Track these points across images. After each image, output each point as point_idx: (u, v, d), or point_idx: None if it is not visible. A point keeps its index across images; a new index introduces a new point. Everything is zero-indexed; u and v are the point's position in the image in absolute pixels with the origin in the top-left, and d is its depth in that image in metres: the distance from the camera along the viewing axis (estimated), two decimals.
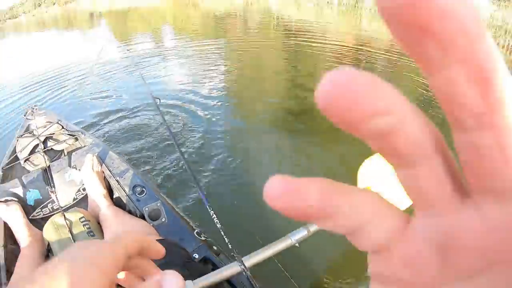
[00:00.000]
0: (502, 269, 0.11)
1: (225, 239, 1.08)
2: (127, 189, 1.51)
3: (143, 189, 1.49)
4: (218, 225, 1.12)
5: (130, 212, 1.41)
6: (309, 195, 0.11)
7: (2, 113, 4.84)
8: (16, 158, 2.04)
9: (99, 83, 5.71)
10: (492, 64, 0.09)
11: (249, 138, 3.18)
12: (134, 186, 1.51)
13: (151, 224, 1.29)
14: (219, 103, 4.15)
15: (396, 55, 5.61)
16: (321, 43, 6.90)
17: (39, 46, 11.92)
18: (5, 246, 1.32)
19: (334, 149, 2.93)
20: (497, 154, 0.10)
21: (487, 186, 0.10)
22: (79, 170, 1.72)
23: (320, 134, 3.14)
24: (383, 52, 5.89)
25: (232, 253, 1.04)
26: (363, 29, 8.47)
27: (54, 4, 27.76)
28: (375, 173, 0.87)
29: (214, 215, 1.15)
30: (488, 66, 0.09)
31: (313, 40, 7.18)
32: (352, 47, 6.43)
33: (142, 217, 1.35)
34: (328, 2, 11.67)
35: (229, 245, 1.07)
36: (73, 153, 1.88)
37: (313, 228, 0.93)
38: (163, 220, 1.34)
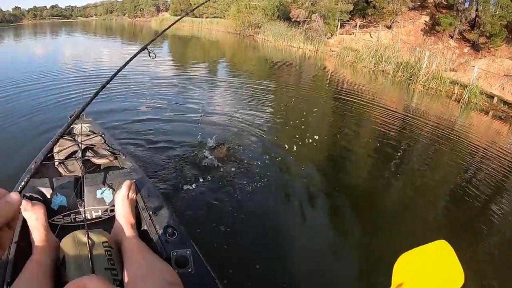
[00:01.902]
0: None
1: None
2: (158, 227, 1.44)
3: (175, 231, 1.42)
4: None
5: (155, 250, 1.33)
6: None
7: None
8: (52, 158, 2.00)
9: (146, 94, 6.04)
10: None
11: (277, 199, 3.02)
12: (166, 226, 1.44)
13: (176, 271, 1.21)
14: (255, 144, 4.14)
15: (438, 134, 5.58)
16: (368, 106, 6.99)
17: (100, 47, 12.81)
18: (17, 244, 1.26)
19: (364, 226, 2.75)
20: None
21: None
22: (113, 190, 1.66)
23: (355, 209, 3.02)
24: (427, 128, 5.88)
25: None
26: (412, 101, 8.48)
27: (124, 15, 29.89)
28: (410, 269, 0.88)
29: None
30: None
31: (361, 101, 7.28)
32: (399, 116, 6.45)
33: (168, 260, 1.27)
34: (383, 71, 11.83)
35: None
36: (110, 172, 1.81)
37: None
38: (190, 270, 1.26)
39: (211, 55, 13.81)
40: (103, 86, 1.25)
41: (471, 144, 5.27)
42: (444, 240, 0.90)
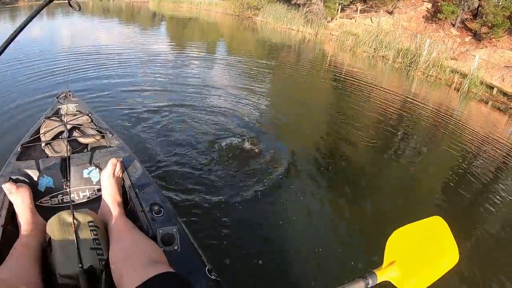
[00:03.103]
0: None
1: None
2: (144, 205, 1.40)
3: (161, 209, 1.39)
4: None
5: (141, 228, 1.31)
6: None
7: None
8: (38, 139, 1.96)
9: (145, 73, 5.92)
10: None
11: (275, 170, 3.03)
12: (152, 204, 1.41)
13: (162, 249, 1.19)
14: (250, 118, 4.21)
15: (437, 120, 5.53)
16: (368, 90, 6.96)
17: (99, 28, 12.53)
18: (3, 227, 1.24)
19: (361, 205, 2.78)
20: None
21: None
22: (100, 169, 1.63)
23: (348, 185, 3.05)
24: (426, 114, 5.88)
25: None
26: (412, 88, 8.42)
27: None
28: (403, 245, 0.83)
29: None
30: None
31: (361, 85, 7.26)
32: (398, 101, 6.43)
33: (154, 238, 1.25)
34: (383, 57, 11.68)
35: None
36: (97, 151, 1.79)
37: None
38: (176, 247, 1.24)
39: (209, 36, 13.57)
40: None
41: (469, 132, 5.28)
42: (438, 216, 0.87)
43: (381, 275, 0.80)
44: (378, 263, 0.83)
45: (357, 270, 2.03)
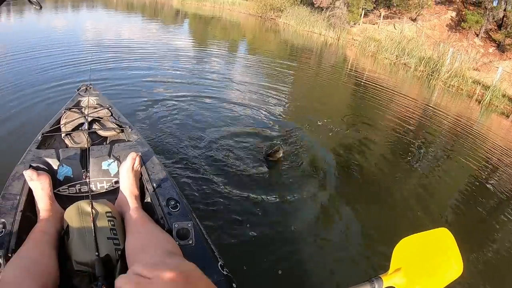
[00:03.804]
0: None
1: None
2: (161, 199, 1.44)
3: (177, 204, 1.42)
4: None
5: (157, 222, 1.34)
6: None
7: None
8: (58, 129, 2.01)
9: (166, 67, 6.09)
10: None
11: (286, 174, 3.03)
12: (169, 199, 1.44)
13: (178, 243, 1.21)
14: (272, 119, 4.26)
15: (456, 132, 5.62)
16: (388, 97, 7.04)
17: (122, 23, 12.83)
18: (22, 213, 1.27)
19: (374, 212, 2.78)
20: None
21: None
22: (119, 162, 1.67)
23: (362, 194, 3.05)
24: (445, 125, 5.91)
25: None
26: (432, 97, 8.46)
27: None
28: (410, 254, 0.88)
29: None
30: None
31: (380, 91, 7.34)
32: (418, 110, 6.51)
33: (169, 231, 1.27)
34: (405, 64, 11.73)
35: None
36: (116, 144, 1.82)
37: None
38: (190, 242, 1.26)
39: (231, 35, 13.76)
40: None
41: (489, 145, 5.28)
42: (445, 228, 0.92)
43: (387, 280, 0.84)
44: (385, 268, 0.90)
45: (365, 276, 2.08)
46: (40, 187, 1.37)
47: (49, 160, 1.61)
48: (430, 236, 0.91)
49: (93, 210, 1.23)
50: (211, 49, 9.36)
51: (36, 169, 1.46)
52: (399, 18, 16.70)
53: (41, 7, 1.36)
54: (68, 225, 1.21)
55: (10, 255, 1.09)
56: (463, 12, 15.32)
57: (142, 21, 14.72)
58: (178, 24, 16.09)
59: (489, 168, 4.33)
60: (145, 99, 4.26)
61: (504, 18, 13.81)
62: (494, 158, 4.76)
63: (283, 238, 2.26)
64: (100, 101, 2.44)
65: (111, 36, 9.23)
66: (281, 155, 3.14)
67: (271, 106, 4.83)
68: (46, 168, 1.56)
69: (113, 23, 12.65)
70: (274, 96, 5.32)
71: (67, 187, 1.56)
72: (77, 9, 15.91)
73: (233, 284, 1.15)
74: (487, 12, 13.98)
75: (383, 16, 16.99)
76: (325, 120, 4.54)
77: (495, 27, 14.34)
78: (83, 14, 14.61)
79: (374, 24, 17.23)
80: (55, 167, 1.59)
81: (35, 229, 1.21)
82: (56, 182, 1.54)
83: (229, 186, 2.65)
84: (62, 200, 1.46)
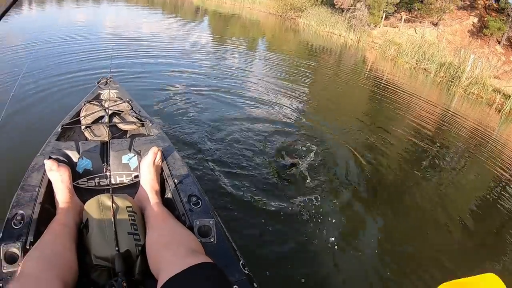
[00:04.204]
0: None
1: None
2: (182, 195, 1.42)
3: (199, 201, 1.40)
4: None
5: (178, 218, 1.32)
6: None
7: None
8: (78, 122, 1.99)
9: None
10: None
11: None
12: (191, 195, 1.42)
13: (199, 240, 1.19)
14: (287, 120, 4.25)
15: (474, 141, 5.61)
16: (407, 101, 7.09)
17: (143, 18, 13.09)
18: (41, 205, 1.26)
19: (401, 226, 2.71)
20: None
21: None
22: (140, 157, 1.65)
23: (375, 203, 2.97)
24: (463, 133, 5.88)
25: None
26: (451, 104, 8.47)
27: None
28: None
29: None
30: None
31: (399, 96, 7.38)
32: (436, 116, 6.56)
33: (190, 228, 1.25)
34: (425, 69, 11.76)
35: None
36: (137, 138, 1.80)
37: None
38: (212, 240, 1.24)
39: (251, 33, 13.94)
40: None
41: (509, 155, 5.27)
42: (493, 274, 0.83)
43: None
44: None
45: None
46: (60, 179, 1.37)
47: (69, 152, 1.60)
48: (476, 283, 0.81)
49: (113, 204, 1.23)
50: (230, 46, 9.54)
51: (56, 160, 1.45)
52: (420, 22, 16.66)
53: None
54: (87, 219, 1.20)
55: (28, 247, 1.08)
56: (485, 19, 15.21)
57: (162, 17, 14.94)
58: (198, 20, 16.33)
59: (508, 179, 4.28)
60: (165, 93, 4.30)
61: None
62: None
63: (307, 247, 2.21)
64: (120, 94, 2.43)
65: (132, 31, 9.36)
66: (297, 170, 3.05)
67: (291, 105, 4.90)
68: (66, 160, 1.55)
69: (133, 18, 12.84)
70: (293, 96, 5.42)
71: (86, 180, 1.56)
72: (98, 3, 16.23)
73: (254, 284, 1.14)
74: (510, 19, 13.87)
75: (404, 20, 16.96)
76: (344, 122, 4.59)
77: None
78: (104, 9, 14.87)
79: (395, 27, 17.22)
80: (75, 160, 1.59)
81: (55, 221, 1.20)
82: (75, 175, 1.53)
83: (252, 187, 2.63)
84: (80, 193, 1.47)
